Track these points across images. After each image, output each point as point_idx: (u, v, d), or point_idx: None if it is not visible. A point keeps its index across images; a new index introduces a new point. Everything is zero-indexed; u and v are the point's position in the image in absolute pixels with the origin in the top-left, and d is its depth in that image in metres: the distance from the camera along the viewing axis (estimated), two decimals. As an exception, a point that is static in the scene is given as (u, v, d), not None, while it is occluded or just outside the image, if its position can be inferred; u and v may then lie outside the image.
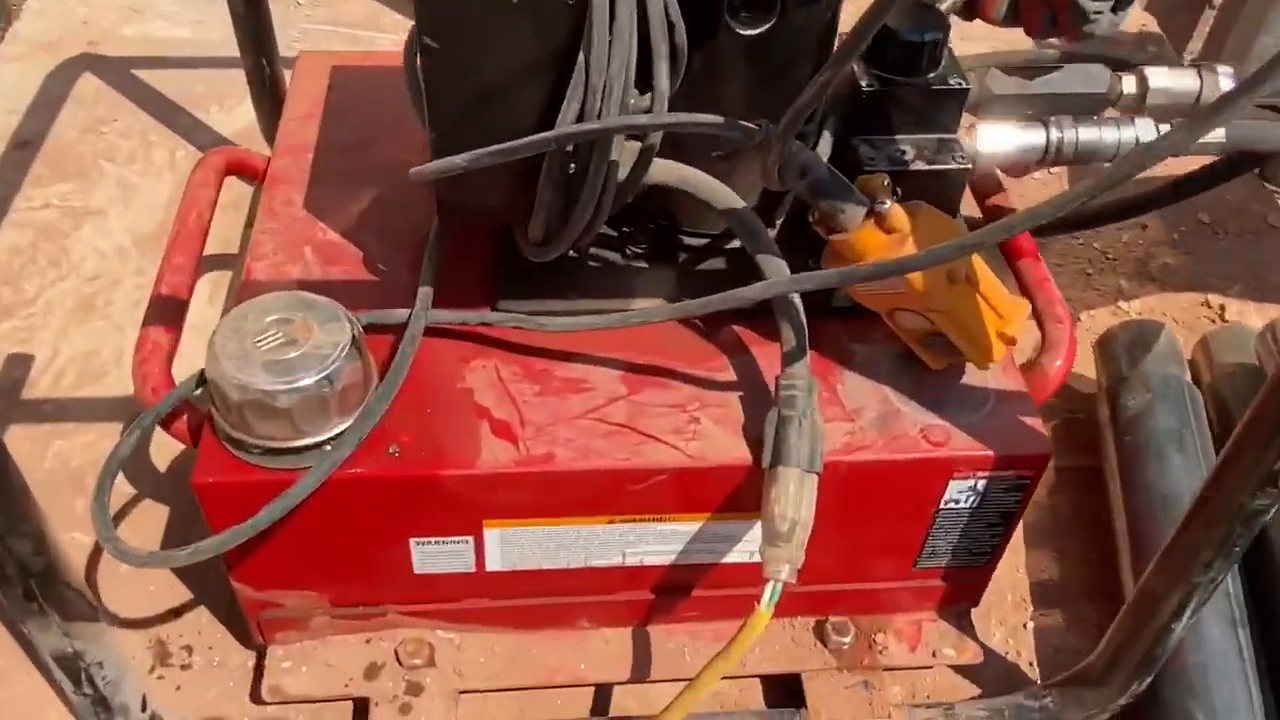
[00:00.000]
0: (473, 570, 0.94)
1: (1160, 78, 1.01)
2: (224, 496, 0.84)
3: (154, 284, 0.99)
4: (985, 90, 1.01)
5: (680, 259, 0.98)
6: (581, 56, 0.76)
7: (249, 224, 1.44)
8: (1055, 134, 1.00)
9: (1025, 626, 1.14)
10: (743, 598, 0.85)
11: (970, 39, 1.04)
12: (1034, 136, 1.01)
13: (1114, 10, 0.80)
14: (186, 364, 0.94)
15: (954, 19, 0.91)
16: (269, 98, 1.36)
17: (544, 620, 1.01)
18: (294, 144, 1.13)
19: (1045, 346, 1.01)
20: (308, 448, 0.84)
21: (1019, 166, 1.04)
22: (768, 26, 0.81)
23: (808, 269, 0.89)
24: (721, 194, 0.89)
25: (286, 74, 1.31)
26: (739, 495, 0.90)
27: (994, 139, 1.00)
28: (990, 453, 0.90)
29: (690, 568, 0.97)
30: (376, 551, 0.92)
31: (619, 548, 0.94)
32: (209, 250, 1.09)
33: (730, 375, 0.94)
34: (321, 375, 0.81)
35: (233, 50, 1.33)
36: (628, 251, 0.97)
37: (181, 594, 1.10)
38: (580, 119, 0.78)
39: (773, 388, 0.89)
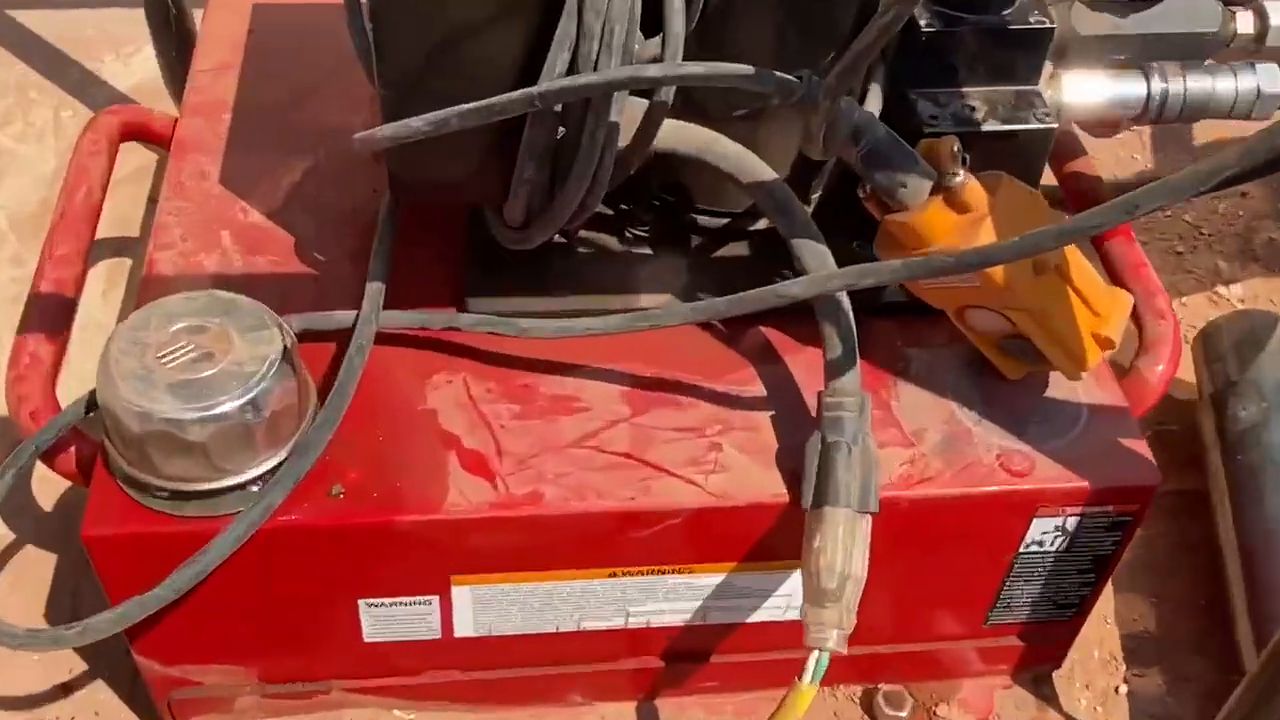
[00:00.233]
0: (438, 637, 0.93)
1: (1283, 13, 1.02)
2: (122, 552, 0.83)
3: (33, 279, 0.98)
4: (1069, 31, 0.99)
5: (693, 244, 0.98)
6: (573, -11, 0.76)
7: (153, 199, 1.44)
8: (1157, 84, 1.00)
9: (1117, 691, 1.12)
10: (773, 664, 0.86)
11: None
12: (1130, 87, 1.00)
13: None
14: (75, 379, 0.94)
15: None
16: (175, 44, 1.35)
17: (527, 696, 1.01)
18: (207, 101, 1.13)
19: (1144, 347, 1.01)
20: (229, 490, 0.82)
21: (1108, 124, 1.04)
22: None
23: (851, 255, 0.89)
24: (749, 164, 0.89)
25: (197, 14, 1.30)
26: (772, 541, 0.89)
27: (1082, 90, 0.99)
28: (1084, 484, 0.90)
29: (708, 629, 0.97)
30: (318, 616, 0.91)
31: (621, 607, 0.93)
32: (102, 233, 1.08)
33: (759, 390, 0.93)
34: (245, 399, 0.80)
35: (130, -16, 1.34)
36: (628, 234, 0.98)
37: (73, 664, 1.07)
38: (572, 71, 0.77)
39: (814, 406, 0.88)
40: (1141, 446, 0.92)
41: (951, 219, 0.83)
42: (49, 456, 0.88)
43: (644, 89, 0.81)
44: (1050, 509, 0.90)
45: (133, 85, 1.59)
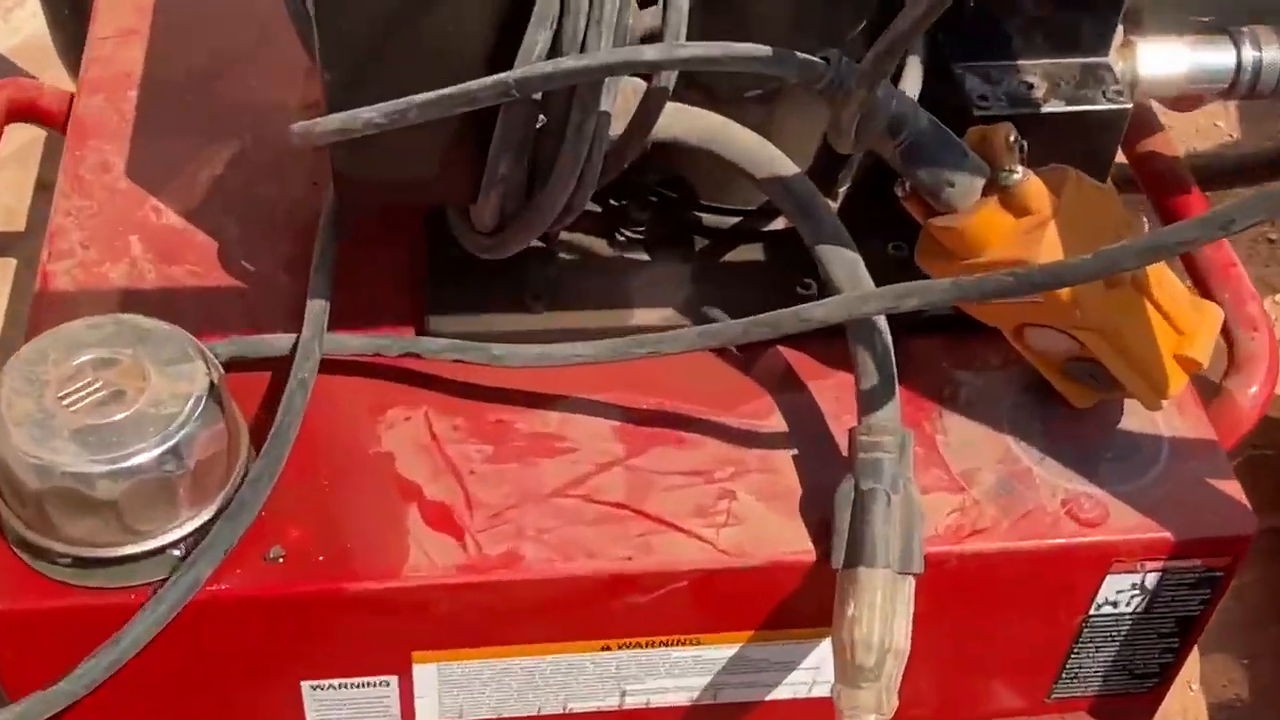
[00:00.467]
0: (396, 723, 0.94)
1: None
2: (17, 632, 0.82)
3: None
4: (1143, -10, 1.01)
5: (696, 247, 0.99)
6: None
7: (41, 186, 1.44)
8: (1249, 52, 1.01)
9: (1205, 769, 1.14)
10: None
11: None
12: (1216, 56, 1.02)
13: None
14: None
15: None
16: (69, 2, 1.35)
17: (503, 789, 1.03)
18: (109, 75, 1.13)
19: (1235, 365, 1.03)
20: (146, 555, 0.82)
21: (1191, 99, 1.05)
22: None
23: (886, 262, 0.90)
24: (764, 155, 0.89)
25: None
26: (795, 605, 0.89)
27: (1160, 62, 1.00)
28: (1166, 534, 0.90)
29: (720, 710, 0.97)
30: (253, 700, 0.91)
31: (615, 685, 0.93)
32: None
33: (778, 424, 0.94)
34: (164, 447, 0.79)
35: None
36: (619, 236, 0.98)
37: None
38: (555, 52, 0.77)
39: (844, 444, 0.88)
40: (1233, 488, 0.92)
41: (1008, 223, 0.83)
42: (-73, 515, 0.87)
43: (641, 72, 0.81)
44: (1126, 564, 0.90)
45: (15, 46, 1.59)
